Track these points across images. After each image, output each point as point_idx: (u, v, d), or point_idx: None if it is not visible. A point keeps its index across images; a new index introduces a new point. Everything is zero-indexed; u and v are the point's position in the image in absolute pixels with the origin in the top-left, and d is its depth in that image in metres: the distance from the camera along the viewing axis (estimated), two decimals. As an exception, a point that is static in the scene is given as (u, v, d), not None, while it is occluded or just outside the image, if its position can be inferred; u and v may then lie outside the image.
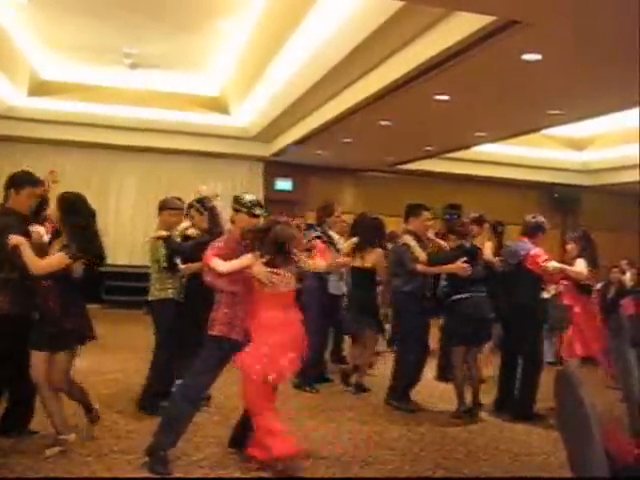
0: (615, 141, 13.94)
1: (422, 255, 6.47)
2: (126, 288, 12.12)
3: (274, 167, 15.12)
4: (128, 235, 13.83)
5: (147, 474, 4.37)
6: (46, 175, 5.49)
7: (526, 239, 6.51)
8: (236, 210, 4.88)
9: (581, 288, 6.46)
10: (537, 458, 5.21)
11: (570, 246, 6.59)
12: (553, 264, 6.30)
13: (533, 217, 6.64)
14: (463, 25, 6.18)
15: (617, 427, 2.83)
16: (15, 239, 4.49)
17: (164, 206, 6.16)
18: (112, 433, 5.14)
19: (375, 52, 7.76)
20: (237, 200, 4.94)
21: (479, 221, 7.38)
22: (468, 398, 6.33)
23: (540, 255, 6.30)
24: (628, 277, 10.37)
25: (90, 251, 4.66)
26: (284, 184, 15.20)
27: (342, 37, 7.57)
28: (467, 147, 12.92)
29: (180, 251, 5.89)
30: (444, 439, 5.56)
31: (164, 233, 5.94)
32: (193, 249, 5.68)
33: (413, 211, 6.78)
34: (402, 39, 7.27)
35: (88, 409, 5.06)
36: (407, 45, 7.36)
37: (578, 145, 15.20)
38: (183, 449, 4.87)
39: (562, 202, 16.20)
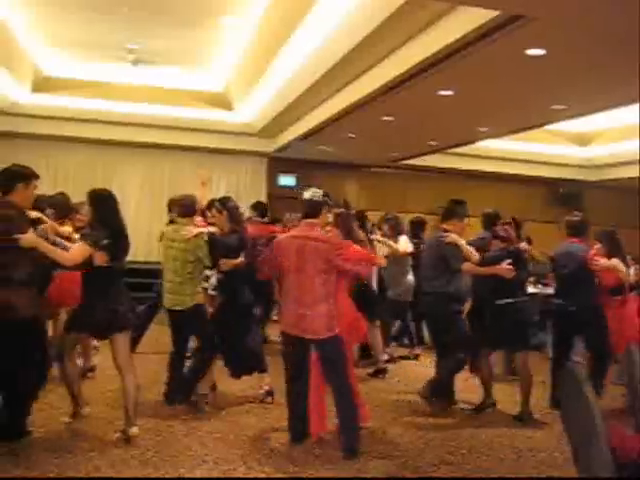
0: (619, 136, 13.90)
1: (474, 256, 6.09)
2: (129, 284, 12.12)
3: (278, 163, 15.11)
4: (131, 231, 13.79)
5: (150, 469, 4.39)
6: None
7: (576, 240, 6.39)
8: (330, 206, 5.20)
9: (613, 289, 6.35)
10: (541, 454, 5.20)
11: (596, 246, 6.39)
12: (605, 261, 6.22)
13: (576, 216, 6.48)
14: (467, 20, 6.16)
15: (621, 423, 2.83)
16: (27, 240, 4.48)
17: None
18: (115, 429, 5.14)
19: (379, 47, 7.74)
20: (329, 196, 5.19)
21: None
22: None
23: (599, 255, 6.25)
24: (632, 273, 10.32)
25: (112, 242, 4.88)
26: (288, 180, 15.21)
27: (345, 32, 7.55)
28: (471, 142, 12.88)
29: (228, 246, 5.85)
30: (448, 435, 5.56)
31: (205, 230, 5.84)
32: (240, 247, 5.85)
33: (458, 212, 6.33)
34: (406, 34, 7.24)
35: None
36: (411, 40, 7.34)
37: (582, 140, 15.17)
38: (187, 444, 4.89)
39: (566, 197, 16.17)
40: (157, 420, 5.42)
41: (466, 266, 6.05)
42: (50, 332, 5.76)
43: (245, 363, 6.00)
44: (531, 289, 9.65)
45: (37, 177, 4.87)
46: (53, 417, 4.97)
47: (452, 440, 5.41)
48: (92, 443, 4.79)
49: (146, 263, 11.52)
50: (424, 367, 7.70)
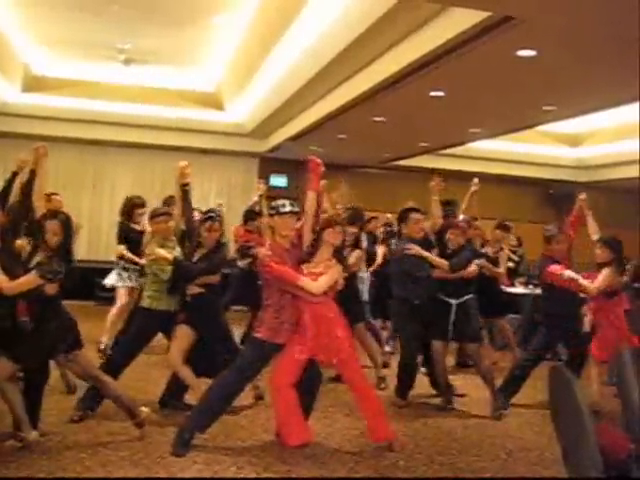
0: (610, 137, 13.98)
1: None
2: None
3: (269, 163, 15.11)
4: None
5: (141, 470, 4.38)
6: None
7: None
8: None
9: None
10: (531, 453, 5.21)
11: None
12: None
13: None
14: (458, 21, 6.18)
15: (610, 423, 2.85)
16: None
17: None
18: (106, 430, 5.13)
19: (370, 48, 7.75)
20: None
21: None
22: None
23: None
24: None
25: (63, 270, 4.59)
26: (279, 180, 15.20)
27: (337, 33, 7.56)
28: (462, 143, 12.91)
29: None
30: (439, 435, 5.57)
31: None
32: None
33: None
34: (397, 35, 7.26)
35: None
36: (402, 41, 7.35)
37: (573, 141, 15.23)
38: (178, 445, 4.88)
39: (557, 198, 16.23)
40: (147, 422, 5.41)
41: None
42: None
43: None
44: (522, 289, 9.71)
45: None
46: (42, 418, 4.94)
47: (442, 440, 5.42)
48: (83, 444, 4.77)
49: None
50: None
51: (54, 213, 4.83)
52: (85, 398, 5.39)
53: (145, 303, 5.68)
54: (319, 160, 5.11)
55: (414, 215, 6.55)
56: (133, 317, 6.57)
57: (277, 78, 9.87)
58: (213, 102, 13.39)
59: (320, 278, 4.85)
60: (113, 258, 11.13)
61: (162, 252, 5.51)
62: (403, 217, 6.60)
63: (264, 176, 15.04)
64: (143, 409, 4.99)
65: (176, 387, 5.80)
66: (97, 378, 4.96)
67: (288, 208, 4.94)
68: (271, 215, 5.04)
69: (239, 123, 13.62)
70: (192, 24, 9.48)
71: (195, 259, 5.56)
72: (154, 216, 5.84)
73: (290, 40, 8.41)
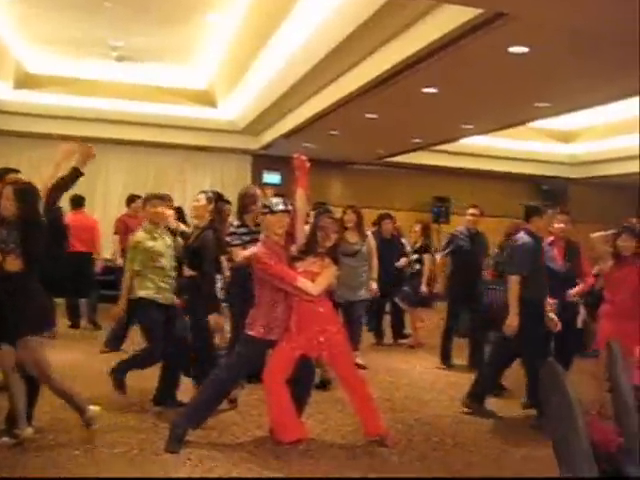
0: (602, 134, 14.02)
1: None
2: (114, 282, 12.05)
3: (262, 160, 15.10)
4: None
5: (135, 467, 4.38)
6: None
7: None
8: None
9: None
10: (524, 449, 5.23)
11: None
12: None
13: None
14: (450, 18, 6.19)
15: (601, 416, 2.86)
16: None
17: None
18: (99, 427, 5.12)
19: (362, 45, 7.75)
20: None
21: None
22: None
23: None
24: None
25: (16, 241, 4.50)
26: (272, 177, 15.17)
27: (329, 30, 7.55)
28: (455, 140, 12.93)
29: None
30: (432, 430, 5.58)
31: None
32: None
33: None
34: (389, 32, 7.26)
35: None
36: (394, 38, 7.36)
37: (565, 138, 15.26)
38: (171, 442, 4.88)
39: (550, 194, 16.28)
40: (141, 419, 5.41)
41: None
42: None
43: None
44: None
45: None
46: (36, 416, 4.94)
47: (436, 436, 5.43)
48: (75, 442, 4.77)
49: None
50: (404, 363, 7.74)
51: (15, 181, 4.89)
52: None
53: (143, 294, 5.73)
54: (304, 157, 5.10)
55: (552, 211, 6.11)
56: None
57: (269, 75, 9.86)
58: (206, 99, 13.36)
59: (317, 280, 4.88)
60: (107, 256, 11.05)
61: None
62: (539, 210, 5.97)
63: (258, 173, 15.07)
64: (92, 407, 4.91)
65: (168, 384, 5.80)
66: (44, 372, 4.70)
67: (281, 207, 4.95)
68: (264, 214, 5.03)
69: (232, 120, 13.60)
70: (185, 22, 9.46)
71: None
72: (146, 200, 5.92)
73: (282, 37, 8.40)
